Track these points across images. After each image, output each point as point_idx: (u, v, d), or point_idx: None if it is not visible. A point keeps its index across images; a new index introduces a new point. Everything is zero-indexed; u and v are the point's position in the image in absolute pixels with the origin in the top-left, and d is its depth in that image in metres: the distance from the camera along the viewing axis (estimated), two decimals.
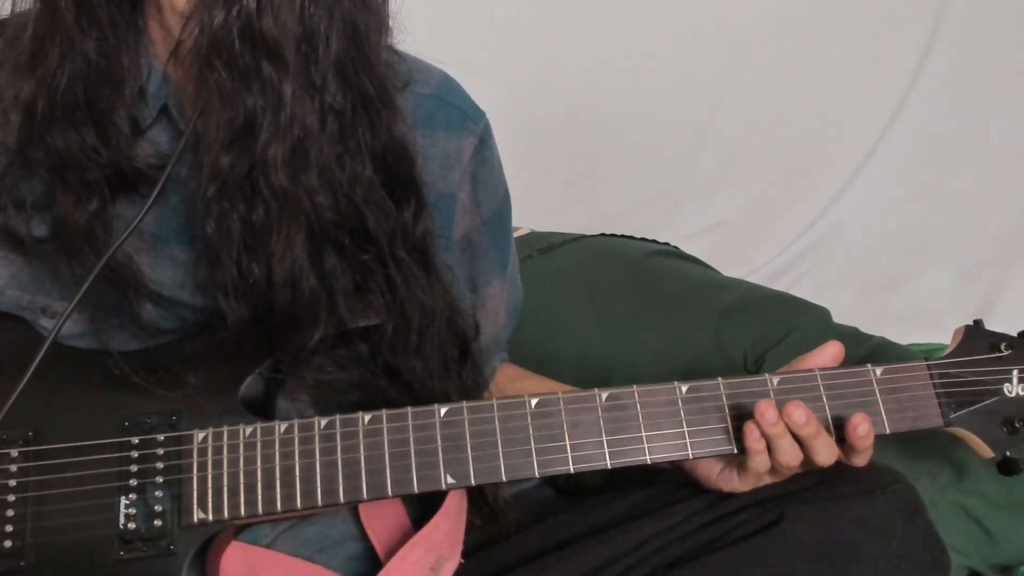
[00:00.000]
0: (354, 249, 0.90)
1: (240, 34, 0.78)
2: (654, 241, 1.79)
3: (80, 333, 0.91)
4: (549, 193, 2.35)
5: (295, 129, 0.81)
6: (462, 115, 1.01)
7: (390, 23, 0.88)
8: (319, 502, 0.88)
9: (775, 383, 0.93)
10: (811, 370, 0.94)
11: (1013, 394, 0.95)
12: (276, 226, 0.83)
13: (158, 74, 0.89)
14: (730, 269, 1.82)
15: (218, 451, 0.88)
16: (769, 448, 0.90)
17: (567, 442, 0.90)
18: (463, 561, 0.99)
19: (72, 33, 0.83)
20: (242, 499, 0.87)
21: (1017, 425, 0.94)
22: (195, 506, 0.87)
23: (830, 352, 0.96)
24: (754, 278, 2.11)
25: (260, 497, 0.87)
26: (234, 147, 0.81)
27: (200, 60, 0.79)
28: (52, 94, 0.84)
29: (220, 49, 0.79)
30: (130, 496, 0.87)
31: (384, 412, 0.90)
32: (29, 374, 0.81)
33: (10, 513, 0.86)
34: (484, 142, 1.02)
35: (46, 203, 0.88)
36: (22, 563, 0.86)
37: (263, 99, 0.80)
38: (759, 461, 0.91)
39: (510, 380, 1.15)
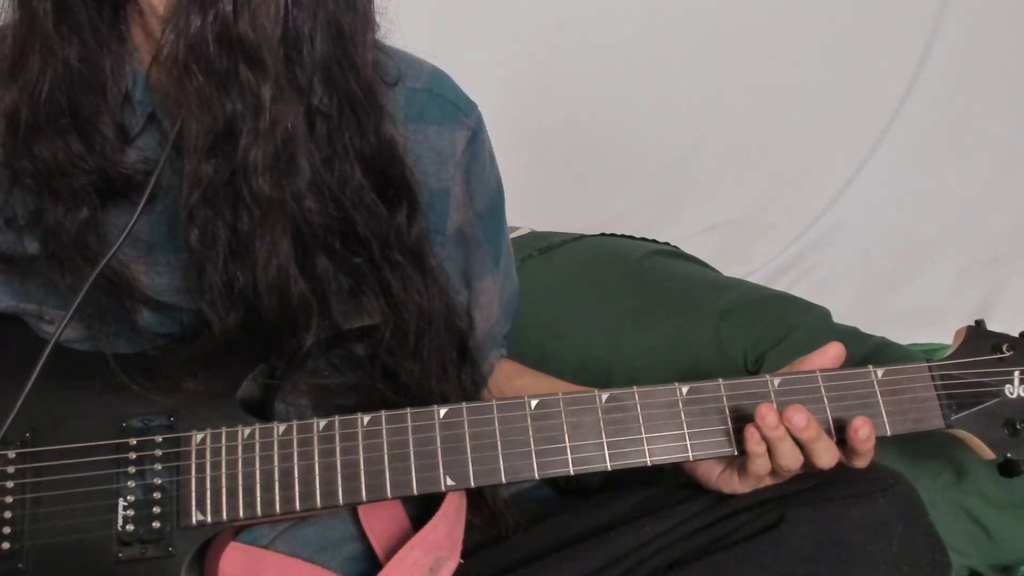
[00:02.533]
0: (346, 253, 0.89)
1: (216, 39, 0.78)
2: (654, 241, 1.79)
3: (78, 339, 0.91)
4: (549, 193, 2.35)
5: (277, 133, 0.80)
6: (454, 108, 1.00)
7: (377, 19, 0.88)
8: (318, 504, 0.88)
9: (776, 384, 0.93)
10: (812, 371, 0.94)
11: (1014, 395, 0.95)
12: (260, 232, 0.83)
13: (142, 80, 0.88)
14: (730, 269, 1.82)
15: (216, 452, 0.88)
16: (769, 451, 0.90)
17: (567, 444, 0.90)
18: (462, 561, 0.99)
19: (52, 40, 0.82)
20: (241, 501, 0.87)
21: (1018, 426, 0.93)
22: (193, 508, 0.87)
23: (831, 353, 0.96)
24: (754, 278, 2.10)
25: (259, 499, 0.87)
26: (215, 153, 0.81)
27: (179, 66, 0.79)
28: (34, 102, 0.83)
29: (197, 54, 0.78)
30: (128, 498, 0.87)
31: (383, 413, 0.89)
32: (28, 387, 0.81)
33: (8, 515, 0.86)
34: (476, 135, 1.02)
35: (37, 220, 0.88)
36: (20, 565, 0.86)
37: (242, 104, 0.79)
38: (759, 464, 0.90)
39: (508, 377, 1.14)
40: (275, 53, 0.79)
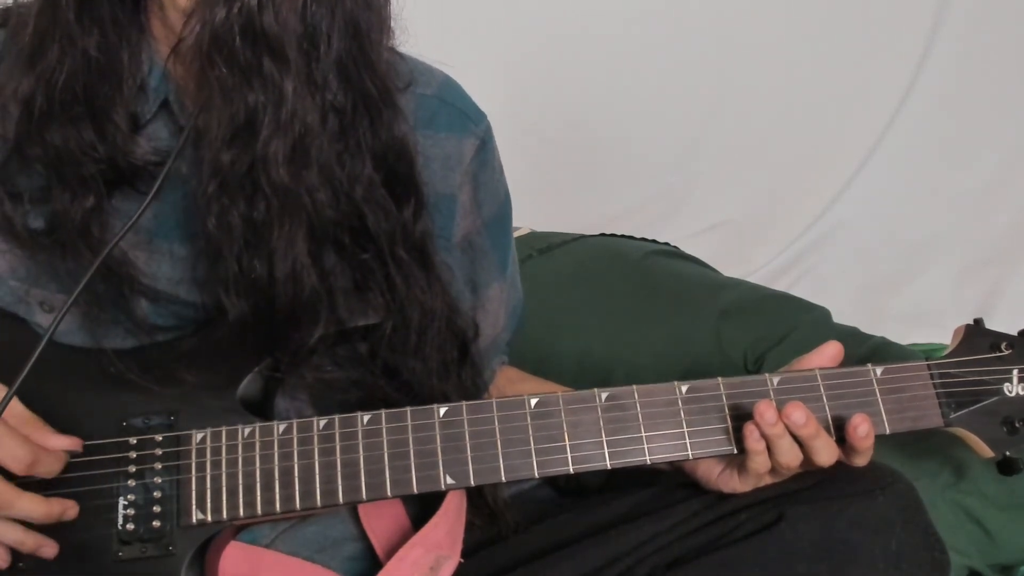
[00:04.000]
0: (354, 248, 0.90)
1: (241, 31, 0.78)
2: (654, 241, 1.79)
3: (74, 329, 0.91)
4: (549, 193, 2.35)
5: (296, 126, 0.81)
6: (463, 116, 1.01)
7: (392, 24, 0.88)
8: (318, 503, 0.88)
9: (775, 383, 0.93)
10: (811, 370, 0.94)
11: (1013, 393, 0.95)
12: (277, 223, 0.83)
13: (159, 69, 0.89)
14: (730, 269, 1.82)
15: (217, 451, 0.88)
16: (769, 448, 0.90)
17: (567, 442, 0.90)
18: (462, 561, 0.99)
19: (72, 30, 0.83)
20: (241, 500, 0.87)
21: (1017, 425, 0.94)
22: (194, 507, 0.87)
23: (829, 352, 0.96)
24: (754, 278, 2.11)
25: (259, 498, 0.87)
26: (235, 143, 0.81)
27: (201, 57, 0.80)
28: (51, 90, 0.84)
29: (221, 46, 0.79)
30: (128, 496, 0.87)
31: (383, 412, 0.90)
32: (25, 372, 0.81)
33: None
34: (485, 144, 1.02)
35: (43, 197, 0.88)
36: (20, 563, 0.86)
37: (264, 96, 0.80)
38: (759, 461, 0.91)
39: (510, 382, 1.14)
40: (296, 47, 0.80)
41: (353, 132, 0.86)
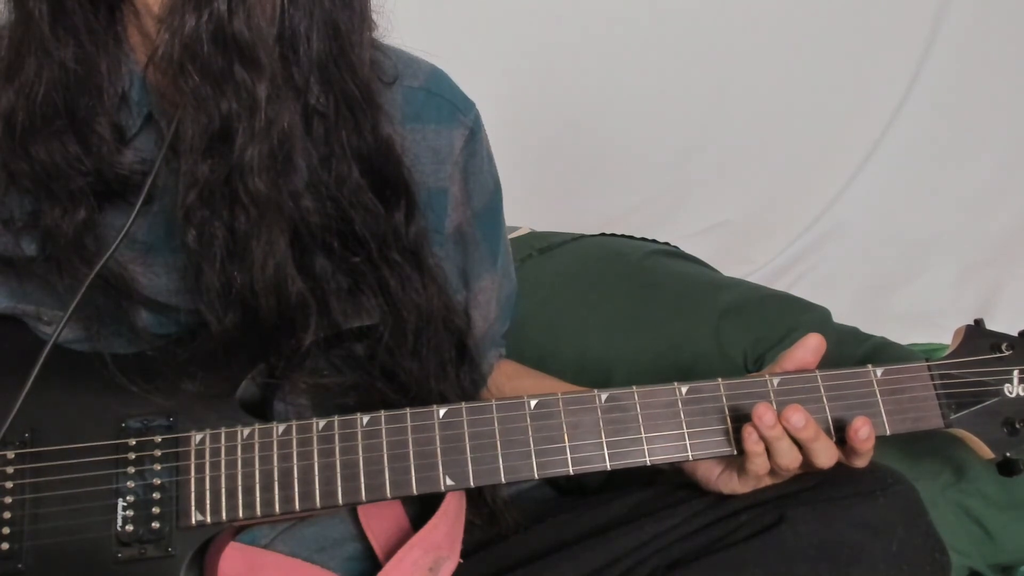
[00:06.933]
0: (344, 252, 0.89)
1: (211, 38, 0.77)
2: (654, 241, 1.79)
3: (76, 340, 0.91)
4: (549, 193, 2.35)
5: (273, 132, 0.80)
6: (451, 107, 1.00)
7: (374, 18, 0.87)
8: (317, 504, 0.88)
9: (775, 384, 0.93)
10: (811, 371, 0.94)
11: (1014, 394, 0.95)
12: (257, 232, 0.83)
13: (139, 80, 0.88)
14: (730, 269, 1.82)
15: (216, 453, 0.88)
16: (768, 450, 0.90)
17: (566, 443, 0.90)
18: (462, 561, 0.99)
19: (48, 42, 0.82)
20: (240, 501, 0.87)
21: (1017, 426, 0.93)
22: (193, 508, 0.87)
23: (811, 344, 0.96)
24: (754, 278, 2.11)
25: (258, 499, 0.87)
26: (211, 153, 0.81)
27: (174, 66, 0.79)
28: (31, 104, 0.83)
29: (193, 54, 0.78)
30: (128, 498, 0.87)
31: (382, 413, 0.89)
32: (27, 387, 0.81)
33: (7, 515, 0.86)
34: (474, 134, 1.02)
35: (34, 221, 0.88)
36: (20, 565, 0.86)
37: (237, 103, 0.79)
38: (758, 463, 0.90)
39: (508, 378, 1.14)
40: (271, 52, 0.79)
41: (337, 135, 0.85)
